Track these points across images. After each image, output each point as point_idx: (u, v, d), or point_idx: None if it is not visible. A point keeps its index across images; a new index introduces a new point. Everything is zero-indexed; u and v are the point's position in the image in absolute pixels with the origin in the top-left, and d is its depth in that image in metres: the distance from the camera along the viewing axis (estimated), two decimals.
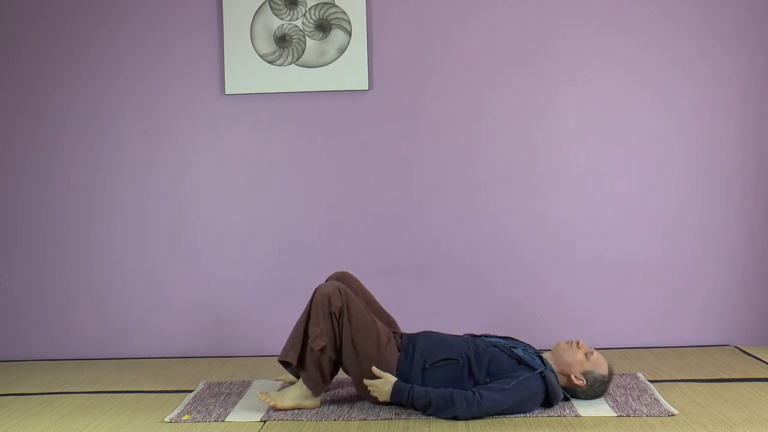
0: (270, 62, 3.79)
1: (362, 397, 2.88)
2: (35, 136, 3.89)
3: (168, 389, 3.19)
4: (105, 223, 3.87)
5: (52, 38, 3.86)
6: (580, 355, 2.82)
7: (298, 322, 2.84)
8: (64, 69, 3.87)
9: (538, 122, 3.77)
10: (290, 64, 3.79)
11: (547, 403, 2.73)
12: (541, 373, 2.71)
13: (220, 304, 3.84)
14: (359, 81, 3.76)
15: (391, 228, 3.80)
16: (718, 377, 3.14)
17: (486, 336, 2.97)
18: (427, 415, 2.69)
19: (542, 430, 2.54)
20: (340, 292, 2.78)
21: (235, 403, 2.92)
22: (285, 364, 2.86)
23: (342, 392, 3.04)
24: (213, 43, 3.83)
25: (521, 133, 3.78)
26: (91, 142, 3.87)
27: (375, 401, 2.78)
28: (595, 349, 2.91)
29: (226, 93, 3.81)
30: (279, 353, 2.88)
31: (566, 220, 3.77)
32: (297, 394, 2.81)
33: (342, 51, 3.77)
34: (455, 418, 2.64)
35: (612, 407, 2.75)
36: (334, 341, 2.78)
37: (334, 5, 3.77)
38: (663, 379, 3.14)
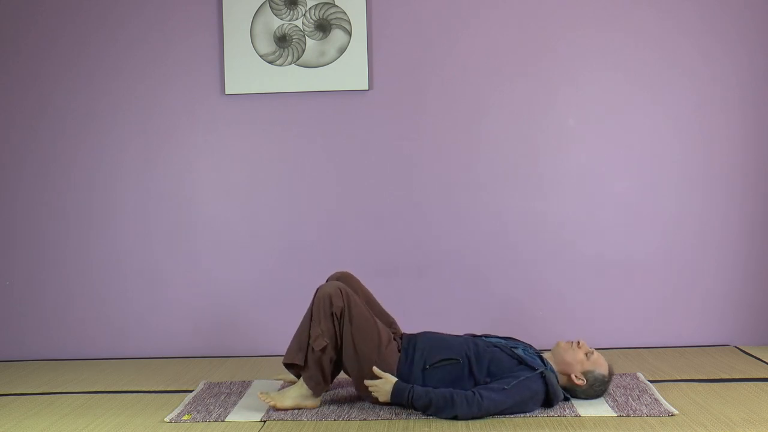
0: (270, 62, 3.79)
1: (362, 397, 2.88)
2: (35, 136, 3.89)
3: (168, 389, 3.19)
4: (105, 223, 3.87)
5: (52, 38, 3.87)
6: (581, 355, 2.82)
7: (302, 324, 2.84)
8: (64, 69, 3.87)
9: (538, 122, 3.77)
10: (290, 64, 3.79)
11: (548, 403, 2.73)
12: (542, 373, 2.71)
13: (220, 304, 3.84)
14: (359, 81, 3.77)
15: (391, 228, 3.80)
16: (718, 377, 3.14)
17: (486, 336, 2.97)
18: (428, 415, 2.69)
19: (542, 430, 2.54)
20: (341, 292, 2.78)
21: (235, 403, 2.92)
22: (289, 365, 2.86)
23: (342, 392, 3.04)
24: (213, 43, 3.83)
25: (521, 133, 3.78)
26: (91, 142, 3.87)
27: (375, 401, 2.78)
28: (595, 349, 2.91)
29: (226, 93, 3.81)
30: (279, 353, 2.88)
31: (566, 220, 3.77)
32: (297, 394, 2.81)
33: (342, 51, 3.77)
34: (455, 418, 2.64)
35: (612, 407, 2.75)
36: (335, 341, 2.78)
37: (334, 5, 3.77)
38: (663, 379, 3.14)
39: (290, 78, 3.79)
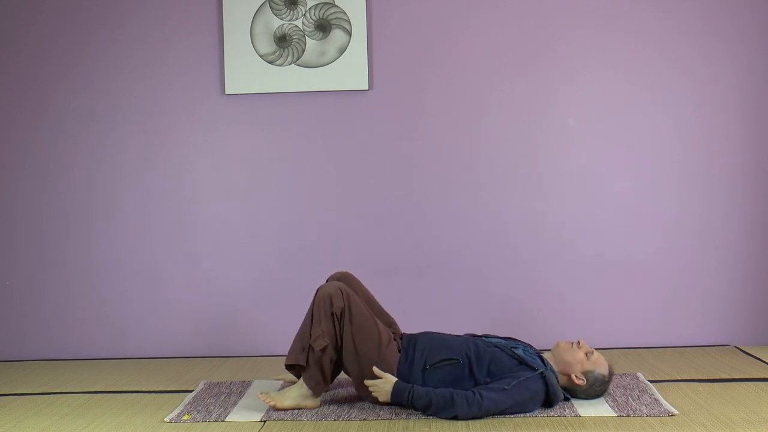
0: (270, 62, 3.79)
1: (362, 397, 2.88)
2: (35, 136, 3.89)
3: (168, 389, 3.19)
4: (105, 223, 3.87)
5: (52, 38, 3.86)
6: (581, 355, 2.82)
7: (303, 325, 2.84)
8: (64, 69, 3.87)
9: (538, 122, 3.77)
10: (290, 64, 3.79)
11: (548, 403, 2.73)
12: (542, 373, 2.71)
13: (220, 304, 3.84)
14: (359, 81, 3.77)
15: (391, 228, 3.80)
16: (718, 377, 3.14)
17: (486, 336, 2.97)
18: (428, 415, 2.69)
19: (542, 430, 2.54)
20: (341, 292, 2.78)
21: (235, 403, 2.92)
22: (291, 366, 2.86)
23: (342, 392, 3.04)
24: (213, 43, 3.83)
25: (521, 133, 3.78)
26: (91, 142, 3.87)
27: (375, 401, 2.78)
28: (595, 349, 2.91)
29: (226, 93, 3.81)
30: (279, 353, 2.89)
31: (566, 220, 3.77)
32: (297, 394, 2.81)
33: (342, 51, 3.77)
34: (455, 418, 2.64)
35: (612, 407, 2.75)
36: (335, 341, 2.78)
37: (334, 5, 3.77)
38: (663, 379, 3.14)
39: (290, 78, 3.79)
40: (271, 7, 3.79)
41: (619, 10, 3.74)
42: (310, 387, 2.79)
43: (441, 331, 2.99)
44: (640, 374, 3.17)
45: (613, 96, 3.75)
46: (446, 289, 3.78)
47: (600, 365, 2.83)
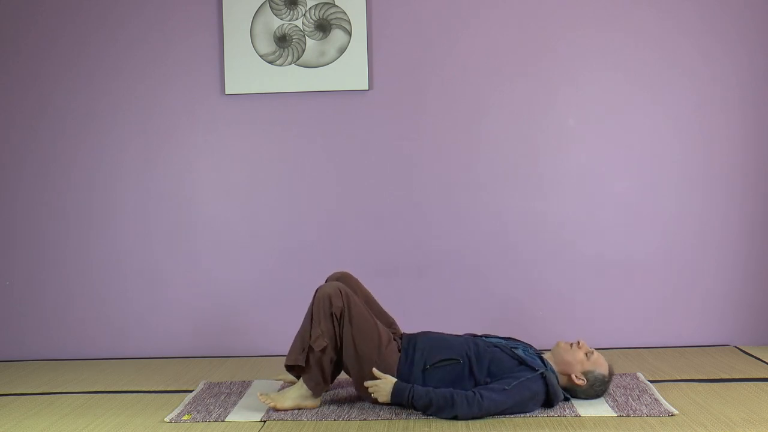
0: (270, 62, 3.79)
1: (362, 397, 2.88)
2: (35, 136, 3.89)
3: (168, 389, 3.19)
4: (105, 223, 3.87)
5: (52, 38, 3.87)
6: (581, 355, 2.82)
7: (303, 325, 2.84)
8: (64, 69, 3.87)
9: (538, 122, 3.77)
10: (290, 64, 3.79)
11: (548, 403, 2.73)
12: (542, 374, 2.71)
13: (220, 304, 3.84)
14: (359, 81, 3.77)
15: (391, 228, 3.80)
16: (718, 377, 3.14)
17: (487, 336, 2.97)
18: (428, 415, 2.69)
19: (542, 430, 2.54)
20: (341, 292, 2.78)
21: (235, 403, 2.92)
22: (291, 367, 2.86)
23: (342, 392, 3.04)
24: (213, 43, 3.83)
25: (521, 133, 3.78)
26: (91, 142, 3.87)
27: (375, 402, 2.78)
28: (595, 349, 2.91)
29: (226, 93, 3.81)
30: (279, 353, 2.89)
31: (566, 220, 3.77)
32: (297, 394, 2.81)
33: (342, 51, 3.77)
34: (455, 418, 2.64)
35: (612, 407, 2.75)
36: (334, 342, 2.78)
37: (334, 5, 3.77)
38: (663, 379, 3.14)
39: (290, 78, 3.79)
40: (271, 7, 3.79)
41: (619, 10, 3.74)
42: (310, 387, 2.79)
43: (441, 331, 2.99)
44: (640, 374, 3.17)
45: (613, 96, 3.75)
46: (446, 289, 3.78)
47: (600, 365, 2.82)
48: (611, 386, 2.93)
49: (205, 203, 3.86)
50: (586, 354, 2.83)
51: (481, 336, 2.97)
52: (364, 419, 2.69)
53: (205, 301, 3.85)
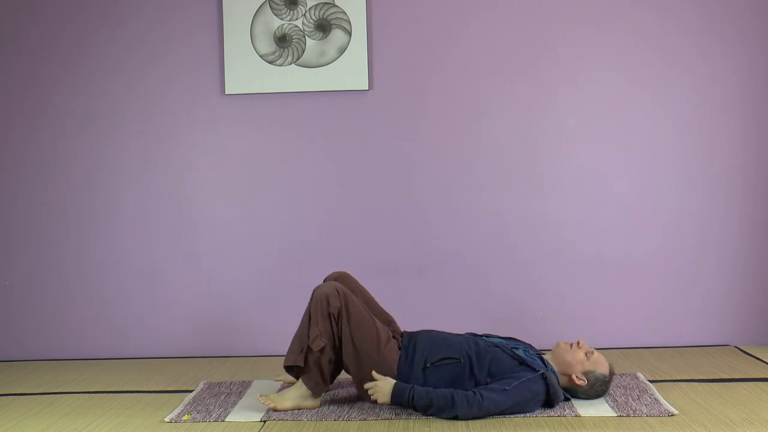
0: (270, 62, 3.79)
1: (363, 397, 2.88)
2: (35, 136, 3.89)
3: (168, 389, 3.19)
4: (105, 223, 3.87)
5: (52, 38, 3.86)
6: (581, 355, 2.82)
7: (301, 326, 2.84)
8: (64, 69, 3.87)
9: (538, 122, 3.77)
10: (290, 64, 3.79)
11: (548, 404, 2.73)
12: (543, 374, 2.71)
13: (220, 304, 3.84)
14: (359, 81, 3.77)
15: (391, 228, 3.80)
16: (718, 377, 3.14)
17: (488, 336, 2.97)
18: (428, 415, 2.69)
19: (542, 430, 2.54)
20: (338, 292, 2.78)
21: (235, 403, 2.92)
22: (290, 367, 2.86)
23: (342, 392, 3.04)
24: (213, 43, 3.83)
25: (521, 133, 3.78)
26: (91, 142, 3.87)
27: (375, 403, 2.77)
28: (595, 349, 2.91)
29: (226, 93, 3.81)
30: (279, 353, 2.88)
31: (566, 220, 3.77)
32: (297, 394, 2.81)
33: (342, 51, 3.77)
34: (455, 418, 2.64)
35: (612, 407, 2.75)
36: (333, 342, 2.78)
37: (334, 5, 3.77)
38: (663, 379, 3.14)
39: (290, 78, 3.79)
40: (271, 7, 3.79)
41: (619, 10, 3.74)
42: (309, 387, 2.79)
43: (442, 331, 2.98)
44: (640, 374, 3.17)
45: (613, 96, 3.75)
46: (446, 289, 3.78)
47: (600, 365, 2.82)
48: (611, 386, 2.93)
49: (205, 203, 3.86)
50: (587, 354, 2.83)
51: (481, 336, 2.97)
52: (364, 419, 2.69)
53: (205, 301, 3.85)
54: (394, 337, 2.91)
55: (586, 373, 2.81)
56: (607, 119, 3.76)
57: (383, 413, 2.74)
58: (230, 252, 3.84)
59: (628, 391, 2.94)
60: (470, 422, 2.62)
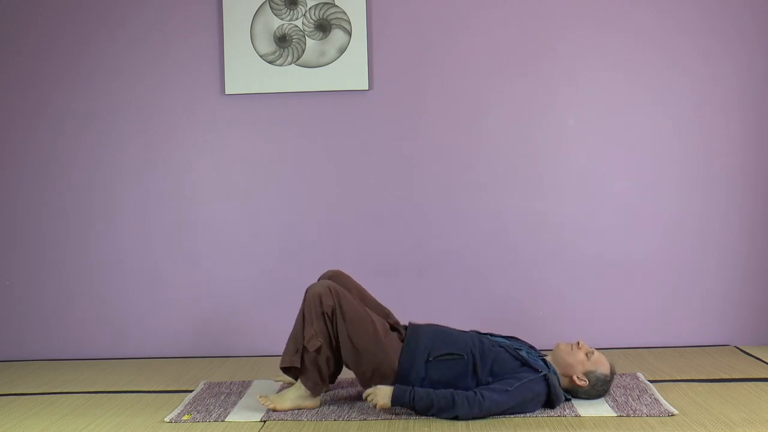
0: (270, 62, 3.79)
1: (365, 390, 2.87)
2: (35, 136, 3.89)
3: (168, 389, 3.19)
4: (105, 223, 3.87)
5: (52, 38, 3.86)
6: (581, 356, 2.82)
7: (295, 326, 2.83)
8: (64, 69, 3.87)
9: (538, 122, 3.77)
10: (290, 64, 3.79)
11: (549, 405, 2.73)
12: (545, 376, 2.71)
13: (220, 304, 3.84)
14: (359, 81, 3.76)
15: (391, 228, 3.80)
16: (718, 377, 3.14)
17: (492, 335, 2.96)
18: (429, 415, 2.68)
19: (542, 430, 2.54)
20: (330, 291, 2.77)
21: (235, 403, 2.92)
22: (286, 369, 2.86)
23: (342, 392, 3.04)
24: (213, 43, 3.83)
25: (521, 133, 3.78)
26: (91, 142, 3.87)
27: (375, 408, 2.74)
28: (596, 349, 2.90)
29: (226, 93, 3.81)
30: (279, 353, 2.87)
31: (566, 220, 3.77)
32: (296, 395, 2.80)
33: (342, 51, 3.77)
34: (456, 418, 2.64)
35: (612, 407, 2.75)
36: (329, 341, 2.77)
37: (334, 5, 3.77)
38: (663, 379, 3.14)
39: (290, 78, 3.79)
40: (271, 7, 3.79)
41: (619, 10, 3.74)
42: (308, 388, 2.79)
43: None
44: (640, 374, 3.17)
45: (613, 96, 3.75)
46: (446, 289, 3.78)
47: (601, 364, 2.82)
48: (612, 386, 2.93)
49: (205, 203, 3.86)
50: (587, 354, 2.82)
51: (485, 334, 2.96)
52: (364, 419, 2.69)
53: (205, 301, 3.85)
54: (394, 329, 2.90)
55: (587, 374, 2.81)
56: (607, 119, 3.76)
57: (383, 413, 2.73)
58: (230, 252, 3.84)
59: (628, 391, 2.94)
60: (470, 422, 2.62)
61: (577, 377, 2.80)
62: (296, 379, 2.86)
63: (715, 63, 3.72)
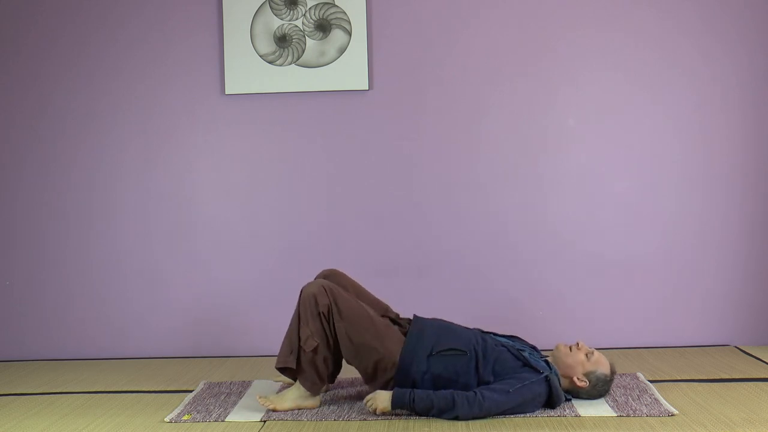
0: (270, 62, 3.79)
1: (367, 391, 2.87)
2: (35, 136, 3.89)
3: (168, 389, 3.19)
4: (105, 223, 3.87)
5: (52, 38, 3.86)
6: (581, 356, 2.81)
7: (290, 326, 2.83)
8: (64, 69, 3.87)
9: (538, 122, 3.77)
10: (290, 64, 3.79)
11: (549, 405, 2.73)
12: (546, 377, 2.71)
13: (220, 304, 3.84)
14: (359, 81, 3.76)
15: (391, 228, 3.80)
16: (718, 377, 3.14)
17: (494, 335, 2.96)
18: (429, 416, 2.68)
19: (542, 430, 2.54)
20: (325, 290, 2.77)
21: (235, 403, 2.92)
22: (282, 369, 2.86)
23: (342, 392, 3.04)
24: (213, 43, 3.83)
25: (521, 133, 3.78)
26: (91, 142, 3.87)
27: (375, 413, 2.73)
28: (596, 349, 2.90)
29: (226, 93, 3.81)
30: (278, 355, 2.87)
31: (566, 220, 3.77)
32: (296, 395, 2.80)
33: (342, 51, 3.77)
34: (456, 418, 2.64)
35: (612, 407, 2.75)
36: (326, 340, 2.77)
37: (334, 5, 3.77)
38: (663, 379, 3.14)
39: (290, 78, 3.79)
40: (271, 7, 3.79)
41: (619, 10, 3.74)
42: (306, 388, 2.79)
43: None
44: (640, 374, 3.17)
45: (613, 96, 3.75)
46: (446, 289, 3.78)
47: (601, 364, 2.82)
48: (612, 385, 2.92)
49: (205, 203, 3.86)
50: (587, 355, 2.82)
51: (489, 333, 2.95)
52: (364, 419, 2.69)
53: (205, 301, 3.85)
54: (396, 323, 2.90)
55: (587, 374, 2.80)
56: (607, 119, 3.76)
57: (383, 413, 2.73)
58: (230, 252, 3.84)
59: (628, 391, 2.94)
60: (470, 422, 2.62)
61: (578, 378, 2.80)
62: (294, 380, 2.86)
63: (715, 63, 3.72)
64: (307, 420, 2.70)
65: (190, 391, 3.13)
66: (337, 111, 3.80)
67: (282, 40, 3.78)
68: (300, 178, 3.83)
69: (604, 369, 2.82)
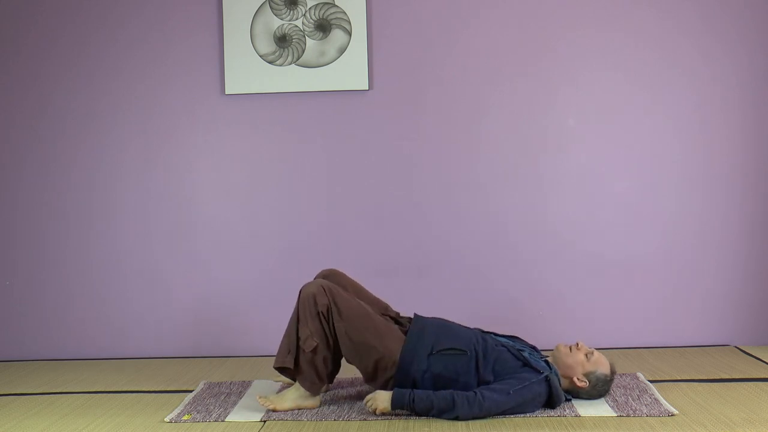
0: (270, 62, 3.79)
1: (367, 391, 2.87)
2: (35, 136, 3.89)
3: (168, 389, 3.19)
4: (105, 223, 3.87)
5: (52, 38, 3.86)
6: (581, 357, 2.81)
7: (289, 326, 2.83)
8: (64, 69, 3.87)
9: (538, 122, 3.77)
10: (290, 64, 3.79)
11: (549, 405, 2.73)
12: (547, 377, 2.71)
13: (220, 304, 3.85)
14: (359, 81, 3.76)
15: (391, 228, 3.80)
16: (718, 377, 3.14)
17: (494, 335, 2.96)
18: (429, 416, 2.68)
19: (542, 430, 2.54)
20: (324, 289, 2.77)
21: (235, 403, 2.92)
22: (281, 369, 2.86)
23: (342, 392, 3.04)
24: (213, 43, 3.83)
25: (521, 133, 3.78)
26: (91, 142, 3.87)
27: (375, 413, 2.73)
28: (596, 349, 2.90)
29: (226, 93, 3.81)
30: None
31: (566, 220, 3.77)
32: (296, 395, 2.80)
33: (342, 51, 3.77)
34: (456, 418, 2.64)
35: (612, 407, 2.75)
36: (326, 340, 2.77)
37: (334, 5, 3.77)
38: (663, 379, 3.14)
39: (290, 78, 3.79)
40: (271, 7, 3.79)
41: (619, 10, 3.74)
42: (306, 388, 2.79)
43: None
44: (640, 374, 3.17)
45: (613, 96, 3.75)
46: (446, 289, 3.78)
47: (601, 364, 2.82)
48: (612, 385, 2.92)
49: (205, 203, 3.86)
50: (586, 355, 2.82)
51: (489, 333, 2.96)
52: (364, 419, 2.69)
53: (205, 301, 3.85)
54: (396, 321, 2.90)
55: (587, 375, 2.80)
56: (607, 119, 3.76)
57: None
58: (230, 252, 3.84)
59: (628, 391, 2.94)
60: (470, 422, 2.62)
61: (578, 378, 2.80)
62: (294, 380, 2.86)
63: (715, 63, 3.72)
64: (307, 420, 2.70)
65: (190, 391, 3.13)
66: (337, 111, 3.80)
67: (282, 40, 3.78)
68: (300, 178, 3.83)
69: (604, 369, 2.82)
